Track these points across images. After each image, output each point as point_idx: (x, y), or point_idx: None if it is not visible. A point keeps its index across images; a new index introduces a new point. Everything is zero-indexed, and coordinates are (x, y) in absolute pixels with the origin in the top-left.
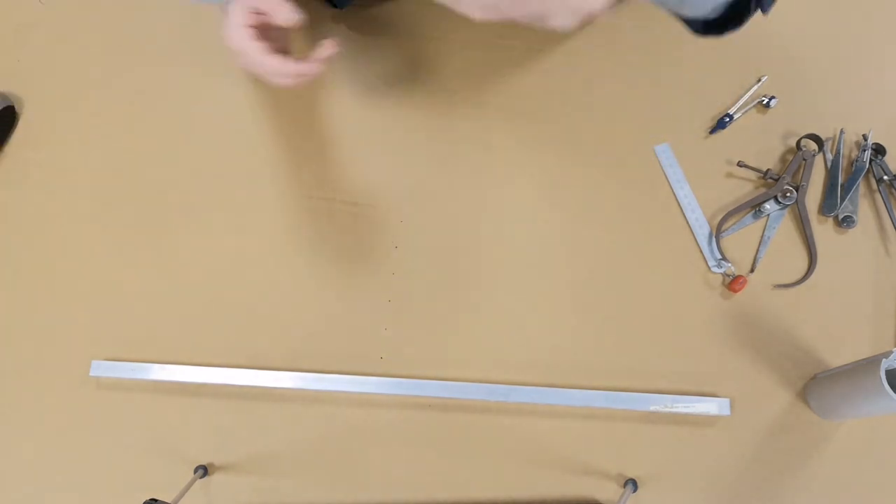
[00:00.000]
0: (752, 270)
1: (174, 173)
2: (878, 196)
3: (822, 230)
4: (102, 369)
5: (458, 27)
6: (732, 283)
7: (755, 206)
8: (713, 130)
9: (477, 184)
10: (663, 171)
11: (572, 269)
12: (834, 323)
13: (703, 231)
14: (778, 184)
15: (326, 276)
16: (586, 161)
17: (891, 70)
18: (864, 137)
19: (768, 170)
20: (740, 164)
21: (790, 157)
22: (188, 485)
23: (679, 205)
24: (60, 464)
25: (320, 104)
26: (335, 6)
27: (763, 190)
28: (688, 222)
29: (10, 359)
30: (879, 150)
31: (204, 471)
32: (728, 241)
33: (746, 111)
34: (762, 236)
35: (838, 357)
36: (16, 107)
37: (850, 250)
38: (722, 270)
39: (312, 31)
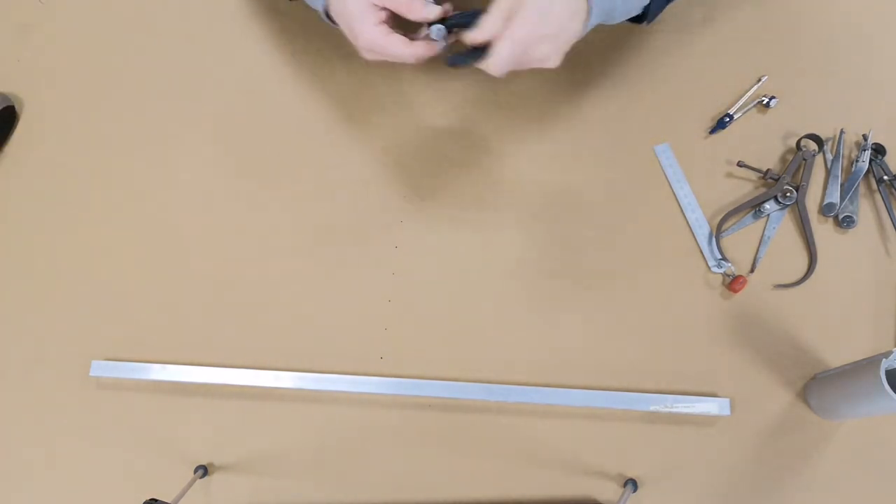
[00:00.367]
0: (752, 270)
1: (174, 173)
2: (878, 196)
3: (822, 230)
4: (102, 369)
5: None
6: (732, 283)
7: (755, 206)
8: (713, 130)
9: (477, 183)
10: (663, 170)
11: (572, 268)
12: (834, 323)
13: (703, 231)
14: (778, 184)
15: (326, 276)
16: (586, 161)
17: (891, 70)
18: (864, 137)
19: (768, 170)
20: (740, 164)
21: (790, 157)
22: (188, 485)
23: (679, 205)
24: (60, 463)
25: (319, 104)
26: None
27: (763, 190)
28: (688, 222)
29: (10, 359)
30: (879, 150)
31: (204, 471)
32: (728, 241)
33: (746, 111)
34: (762, 236)
35: (838, 357)
36: (16, 107)
37: (850, 250)
38: (722, 270)
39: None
